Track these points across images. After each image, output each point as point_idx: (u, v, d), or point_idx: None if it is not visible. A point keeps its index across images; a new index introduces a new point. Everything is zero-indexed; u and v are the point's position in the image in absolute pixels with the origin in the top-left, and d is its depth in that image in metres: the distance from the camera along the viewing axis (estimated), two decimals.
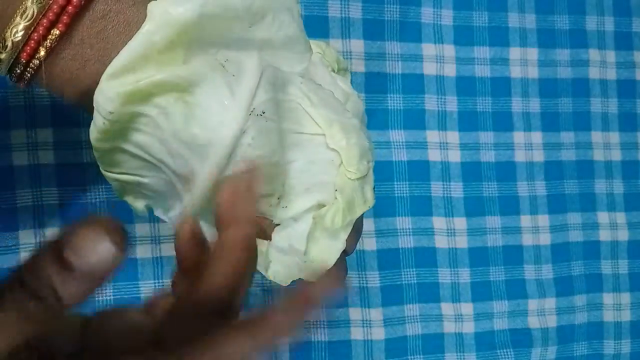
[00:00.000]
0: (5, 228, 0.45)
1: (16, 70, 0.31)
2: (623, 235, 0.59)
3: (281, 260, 0.38)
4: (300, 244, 0.37)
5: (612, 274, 0.58)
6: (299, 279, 0.39)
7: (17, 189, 0.46)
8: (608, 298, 0.58)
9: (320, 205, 0.36)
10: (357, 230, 0.40)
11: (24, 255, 0.46)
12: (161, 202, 0.34)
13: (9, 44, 0.30)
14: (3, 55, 0.30)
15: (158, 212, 0.36)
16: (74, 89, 0.31)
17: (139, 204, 0.35)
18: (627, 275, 0.59)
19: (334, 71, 0.39)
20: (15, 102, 0.46)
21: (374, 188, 0.38)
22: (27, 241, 0.46)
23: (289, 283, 0.40)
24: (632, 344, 0.58)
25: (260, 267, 0.40)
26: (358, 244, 0.41)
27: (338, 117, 0.36)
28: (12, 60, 0.30)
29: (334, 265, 0.39)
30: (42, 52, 0.30)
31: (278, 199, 0.35)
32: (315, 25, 0.51)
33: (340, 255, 0.39)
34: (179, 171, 0.32)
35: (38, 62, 0.30)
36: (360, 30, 0.52)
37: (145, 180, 0.33)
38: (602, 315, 0.58)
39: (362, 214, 0.39)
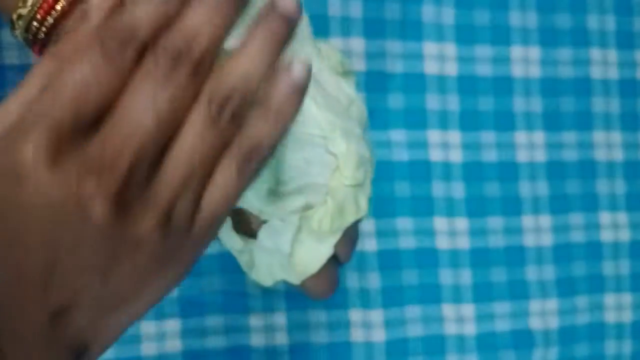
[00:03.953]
0: None
1: (32, 29, 0.32)
2: (625, 235, 0.58)
3: (265, 260, 0.38)
4: (285, 245, 0.37)
5: (613, 275, 0.58)
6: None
7: None
8: (610, 299, 0.58)
9: (310, 207, 0.36)
10: (351, 239, 0.39)
11: None
12: None
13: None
14: (24, 11, 0.32)
15: None
16: None
17: None
18: (629, 276, 0.58)
19: (337, 73, 0.39)
20: None
21: (369, 199, 0.38)
22: None
23: (271, 284, 0.40)
24: (634, 344, 0.58)
25: (244, 266, 0.40)
26: (358, 244, 0.41)
27: (341, 122, 0.36)
28: (31, 16, 0.32)
29: (324, 273, 0.38)
30: (59, 7, 0.32)
31: (267, 190, 0.35)
32: (315, 24, 0.50)
33: (333, 264, 0.39)
34: None
35: (52, 19, 0.32)
36: (360, 29, 0.52)
37: None
38: (604, 316, 0.58)
39: (358, 224, 0.39)
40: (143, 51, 0.27)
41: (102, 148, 0.26)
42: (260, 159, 0.29)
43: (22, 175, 0.25)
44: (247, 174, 0.29)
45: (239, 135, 0.28)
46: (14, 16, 0.33)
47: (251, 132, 0.29)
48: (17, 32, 0.33)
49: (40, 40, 0.33)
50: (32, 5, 0.32)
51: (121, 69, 0.27)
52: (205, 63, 0.28)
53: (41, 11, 0.32)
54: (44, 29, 0.32)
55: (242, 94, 0.28)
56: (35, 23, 0.32)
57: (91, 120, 0.27)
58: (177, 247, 0.29)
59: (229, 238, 0.38)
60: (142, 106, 0.27)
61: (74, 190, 0.25)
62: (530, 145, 0.56)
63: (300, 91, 0.30)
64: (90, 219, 0.26)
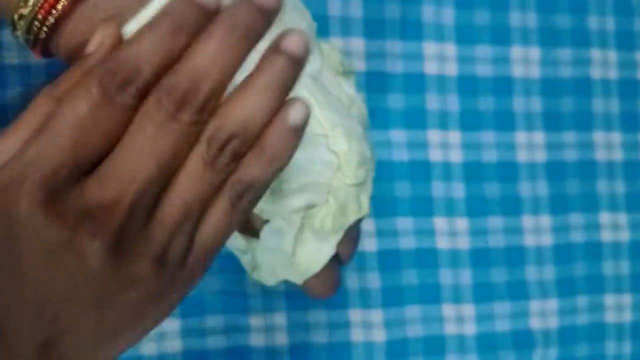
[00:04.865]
0: None
1: (34, 29, 0.32)
2: (625, 235, 0.58)
3: (268, 259, 0.38)
4: (287, 244, 0.37)
5: (613, 275, 0.58)
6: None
7: None
8: (610, 299, 0.58)
9: (312, 206, 0.36)
10: (352, 239, 0.39)
11: None
12: None
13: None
14: (25, 11, 0.32)
15: None
16: (81, 52, 0.32)
17: None
18: (629, 276, 0.58)
19: (337, 73, 0.39)
20: (13, 102, 0.45)
21: (371, 198, 0.38)
22: None
23: (274, 283, 0.40)
24: (634, 345, 0.58)
25: (247, 266, 0.40)
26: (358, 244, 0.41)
27: (343, 121, 0.36)
28: (32, 16, 0.32)
29: (326, 272, 0.38)
30: (60, 6, 0.32)
31: (269, 190, 0.35)
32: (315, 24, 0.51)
33: (335, 264, 0.39)
34: None
35: (53, 19, 0.32)
36: (360, 29, 0.52)
37: None
38: (604, 317, 0.58)
39: (359, 224, 0.39)
40: (146, 90, 0.27)
41: (101, 193, 0.26)
42: (252, 197, 0.30)
43: (18, 223, 0.26)
44: (239, 212, 0.29)
45: (234, 173, 0.29)
46: (16, 16, 0.33)
47: (245, 172, 0.29)
48: (19, 32, 0.33)
49: (41, 40, 0.33)
50: (33, 5, 0.32)
51: (122, 109, 0.27)
52: (209, 106, 0.27)
53: (42, 10, 0.32)
54: (45, 28, 0.32)
55: (243, 136, 0.28)
56: (36, 23, 0.32)
57: (90, 163, 0.27)
58: (170, 282, 0.29)
59: (232, 238, 0.38)
60: (143, 150, 0.26)
61: (70, 235, 0.26)
62: (530, 145, 0.56)
63: (298, 133, 0.30)
64: (86, 261, 0.26)
